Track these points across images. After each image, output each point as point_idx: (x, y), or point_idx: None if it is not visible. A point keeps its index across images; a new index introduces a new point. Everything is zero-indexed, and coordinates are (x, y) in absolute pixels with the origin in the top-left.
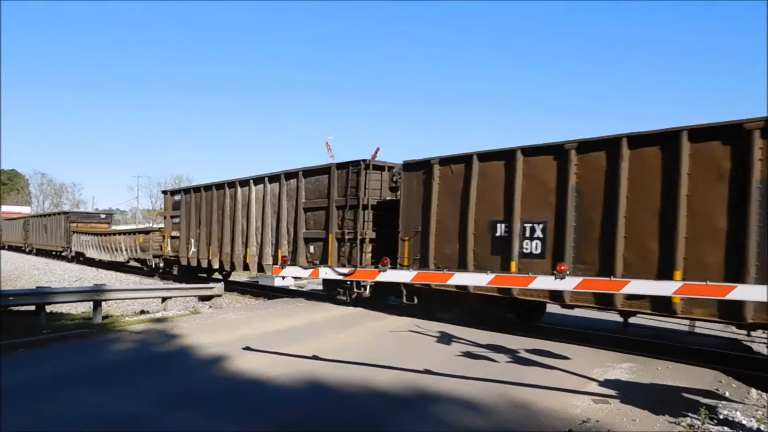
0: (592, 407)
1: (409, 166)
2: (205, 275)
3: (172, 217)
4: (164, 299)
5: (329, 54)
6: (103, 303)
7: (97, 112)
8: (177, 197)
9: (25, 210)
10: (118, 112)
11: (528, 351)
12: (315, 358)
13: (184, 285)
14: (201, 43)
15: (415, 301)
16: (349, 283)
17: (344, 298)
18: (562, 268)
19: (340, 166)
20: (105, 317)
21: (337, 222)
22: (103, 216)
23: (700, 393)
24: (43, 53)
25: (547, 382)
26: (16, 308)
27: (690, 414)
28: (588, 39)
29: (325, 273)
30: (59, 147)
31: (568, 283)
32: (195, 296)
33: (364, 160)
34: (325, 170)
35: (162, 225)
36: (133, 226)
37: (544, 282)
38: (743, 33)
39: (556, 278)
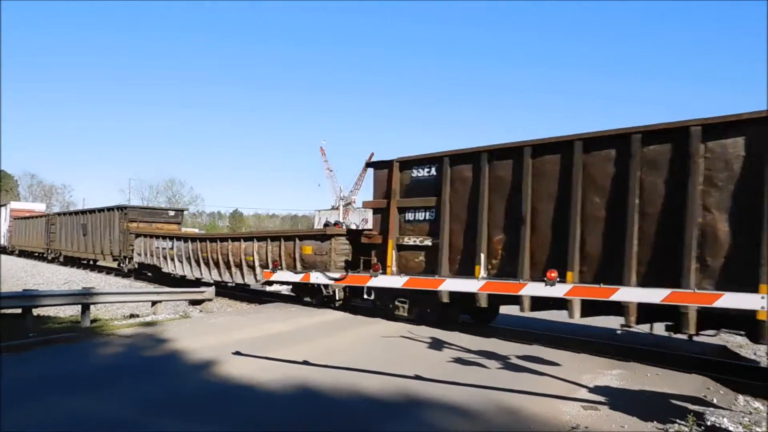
0: (582, 413)
1: None
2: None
3: (401, 210)
4: (154, 303)
5: (320, 55)
6: (91, 306)
7: (87, 113)
8: (421, 171)
9: (39, 208)
10: (109, 114)
11: (519, 357)
12: (305, 363)
13: (174, 289)
14: (192, 44)
15: None
16: None
17: None
18: (552, 275)
19: None
20: (93, 321)
21: None
22: (171, 213)
23: (688, 399)
24: (32, 50)
25: (537, 388)
26: (0, 311)
27: (678, 420)
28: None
29: (317, 278)
30: (48, 148)
31: (558, 290)
32: (185, 300)
33: None
34: None
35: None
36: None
37: (534, 289)
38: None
39: (546, 285)
